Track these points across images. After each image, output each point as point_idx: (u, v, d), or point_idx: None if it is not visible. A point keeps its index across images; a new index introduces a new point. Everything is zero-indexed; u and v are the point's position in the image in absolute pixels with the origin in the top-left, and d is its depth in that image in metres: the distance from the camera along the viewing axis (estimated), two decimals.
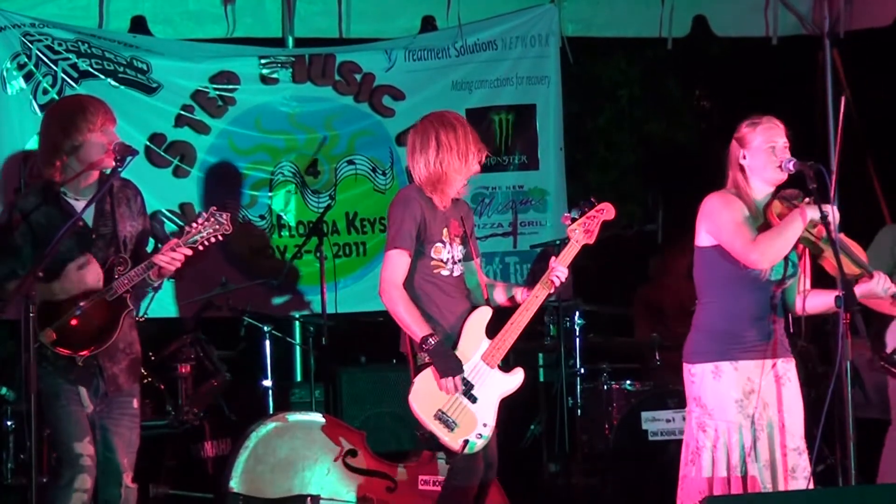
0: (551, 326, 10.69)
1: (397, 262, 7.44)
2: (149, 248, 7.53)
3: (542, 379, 10.88)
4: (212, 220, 7.27)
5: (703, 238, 7.40)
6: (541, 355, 10.81)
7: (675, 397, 9.91)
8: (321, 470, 8.45)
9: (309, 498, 8.45)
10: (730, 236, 7.27)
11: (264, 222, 10.89)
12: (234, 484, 8.48)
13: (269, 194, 10.91)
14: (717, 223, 7.33)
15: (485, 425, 7.46)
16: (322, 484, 8.40)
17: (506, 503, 8.70)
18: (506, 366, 7.57)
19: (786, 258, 7.28)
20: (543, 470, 10.61)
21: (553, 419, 10.67)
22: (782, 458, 7.32)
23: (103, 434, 7.24)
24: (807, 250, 7.33)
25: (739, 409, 7.28)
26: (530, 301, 7.55)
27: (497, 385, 7.53)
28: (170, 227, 10.37)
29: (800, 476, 7.30)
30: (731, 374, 7.29)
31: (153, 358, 8.81)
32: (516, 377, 7.57)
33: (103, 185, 7.20)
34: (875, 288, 7.41)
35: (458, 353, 7.47)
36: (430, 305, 7.53)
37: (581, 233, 7.60)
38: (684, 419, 7.63)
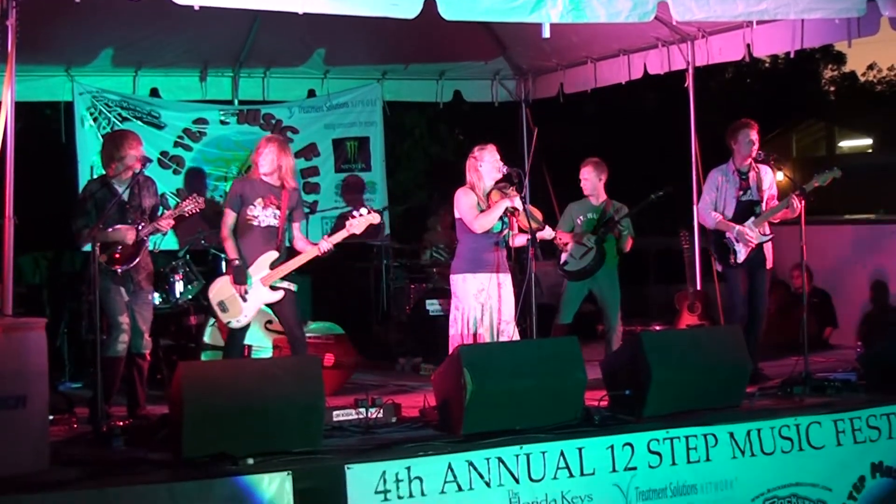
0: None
1: (225, 215, 7.36)
2: (159, 213, 7.50)
3: (377, 283, 10.92)
4: (192, 199, 7.37)
5: (456, 212, 7.58)
6: (371, 271, 10.87)
7: (443, 293, 10.03)
8: (254, 330, 8.35)
9: (246, 346, 8.41)
10: (463, 214, 7.54)
11: (221, 199, 10.75)
12: (206, 338, 8.51)
13: (225, 184, 10.79)
14: (459, 206, 7.57)
15: (245, 316, 7.41)
16: (253, 338, 8.29)
17: (352, 350, 8.77)
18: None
19: (501, 220, 7.46)
20: (372, 329, 10.70)
21: (379, 304, 10.84)
22: (497, 325, 7.53)
23: (132, 313, 7.27)
24: (512, 216, 7.48)
25: (475, 299, 7.48)
26: (302, 256, 7.37)
27: (262, 297, 7.38)
28: (172, 200, 10.30)
29: (504, 337, 7.51)
30: (472, 280, 7.48)
31: (162, 270, 8.73)
32: (275, 295, 7.36)
33: (133, 179, 7.23)
34: (545, 235, 7.64)
35: (248, 272, 7.35)
36: (243, 241, 7.34)
37: (355, 226, 7.31)
38: (449, 304, 7.72)
